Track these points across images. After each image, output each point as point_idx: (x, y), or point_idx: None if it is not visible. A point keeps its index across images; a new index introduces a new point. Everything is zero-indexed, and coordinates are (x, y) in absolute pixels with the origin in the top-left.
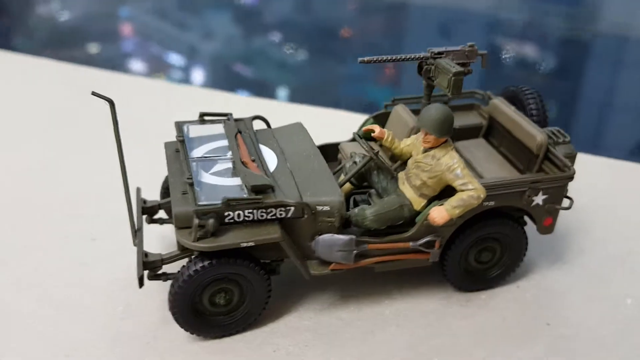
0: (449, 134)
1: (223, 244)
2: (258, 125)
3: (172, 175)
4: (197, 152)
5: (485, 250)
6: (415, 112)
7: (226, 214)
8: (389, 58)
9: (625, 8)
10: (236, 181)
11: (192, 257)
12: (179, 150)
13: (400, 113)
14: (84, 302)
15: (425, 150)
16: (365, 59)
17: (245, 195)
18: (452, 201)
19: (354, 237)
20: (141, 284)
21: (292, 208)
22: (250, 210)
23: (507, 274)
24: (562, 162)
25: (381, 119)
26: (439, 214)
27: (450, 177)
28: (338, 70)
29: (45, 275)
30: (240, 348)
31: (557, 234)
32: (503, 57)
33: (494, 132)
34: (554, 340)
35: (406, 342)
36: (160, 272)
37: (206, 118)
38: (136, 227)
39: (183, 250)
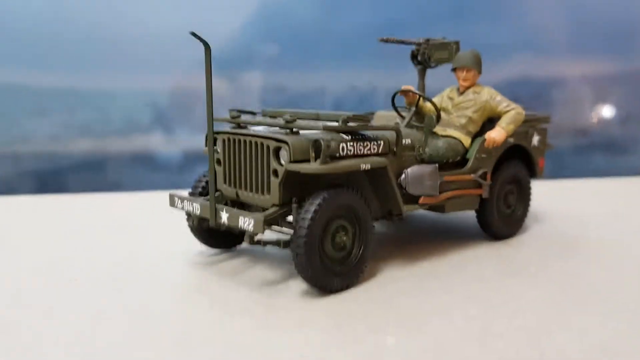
0: (481, 72)
1: (347, 165)
2: None
3: (249, 134)
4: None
5: (511, 193)
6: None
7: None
8: (400, 40)
9: None
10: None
11: (306, 198)
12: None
13: (383, 114)
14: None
15: (461, 93)
16: (384, 37)
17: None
18: (504, 120)
19: (437, 165)
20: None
21: (382, 143)
22: (352, 144)
23: (525, 215)
24: (537, 114)
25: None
26: (497, 133)
27: (493, 103)
28: None
29: None
30: (364, 298)
31: None
32: None
33: None
34: None
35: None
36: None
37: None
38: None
39: (282, 205)
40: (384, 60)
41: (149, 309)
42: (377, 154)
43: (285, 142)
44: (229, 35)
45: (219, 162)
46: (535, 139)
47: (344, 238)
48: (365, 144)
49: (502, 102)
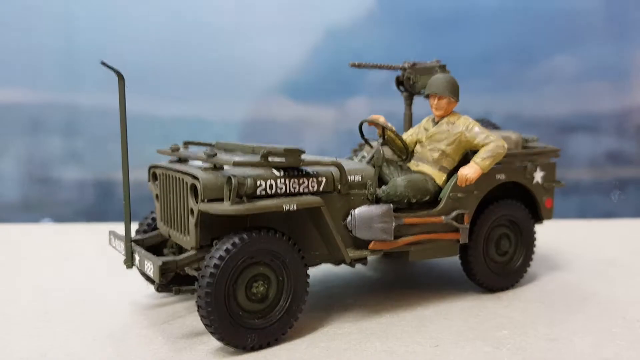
0: (457, 99)
1: (265, 205)
2: None
3: (174, 169)
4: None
5: (505, 238)
6: None
7: (258, 183)
8: (376, 65)
9: None
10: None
11: (219, 239)
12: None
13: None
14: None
15: (436, 123)
16: (356, 63)
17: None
18: (480, 155)
19: (391, 205)
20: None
21: (324, 179)
22: (283, 181)
23: (526, 264)
24: (544, 147)
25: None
26: (470, 169)
27: (469, 135)
28: None
29: None
30: (284, 358)
31: None
32: None
33: None
34: None
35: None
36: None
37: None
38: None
39: (200, 250)
40: (500, 82)
41: (59, 349)
42: (317, 192)
43: (197, 179)
44: (334, 62)
45: (157, 197)
46: (539, 175)
47: (262, 288)
48: (301, 180)
49: (479, 134)
